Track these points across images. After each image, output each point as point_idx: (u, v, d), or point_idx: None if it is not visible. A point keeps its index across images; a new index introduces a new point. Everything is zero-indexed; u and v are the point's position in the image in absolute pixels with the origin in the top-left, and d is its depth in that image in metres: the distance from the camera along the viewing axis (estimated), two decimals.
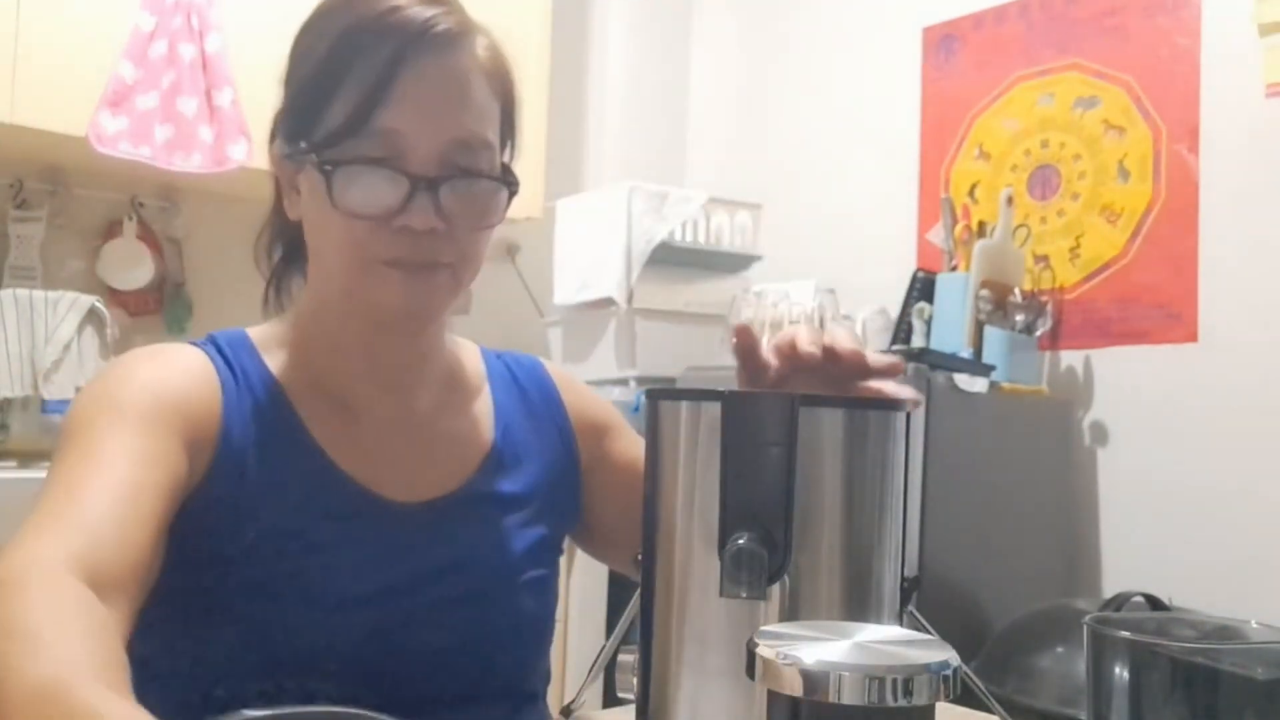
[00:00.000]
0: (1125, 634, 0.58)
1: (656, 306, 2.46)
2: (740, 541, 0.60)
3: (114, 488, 0.69)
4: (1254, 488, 1.96)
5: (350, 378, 0.87)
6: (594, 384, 2.40)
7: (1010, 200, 2.24)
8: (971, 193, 2.46)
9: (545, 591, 0.92)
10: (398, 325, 0.85)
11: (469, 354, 0.97)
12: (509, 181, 0.84)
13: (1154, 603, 1.76)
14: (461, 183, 0.81)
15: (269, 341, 0.88)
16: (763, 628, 0.47)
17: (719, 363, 2.32)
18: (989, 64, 2.45)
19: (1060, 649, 1.70)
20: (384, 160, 0.79)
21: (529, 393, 0.97)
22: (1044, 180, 2.34)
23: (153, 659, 0.77)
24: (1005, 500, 2.02)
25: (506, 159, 0.88)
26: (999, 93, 2.43)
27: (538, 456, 0.94)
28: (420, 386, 0.90)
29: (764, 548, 0.61)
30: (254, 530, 0.79)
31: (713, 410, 0.64)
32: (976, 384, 1.92)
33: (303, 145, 0.81)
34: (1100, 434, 2.18)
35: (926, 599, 1.85)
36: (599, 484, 0.97)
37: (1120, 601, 1.76)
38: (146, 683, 0.76)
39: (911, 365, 1.85)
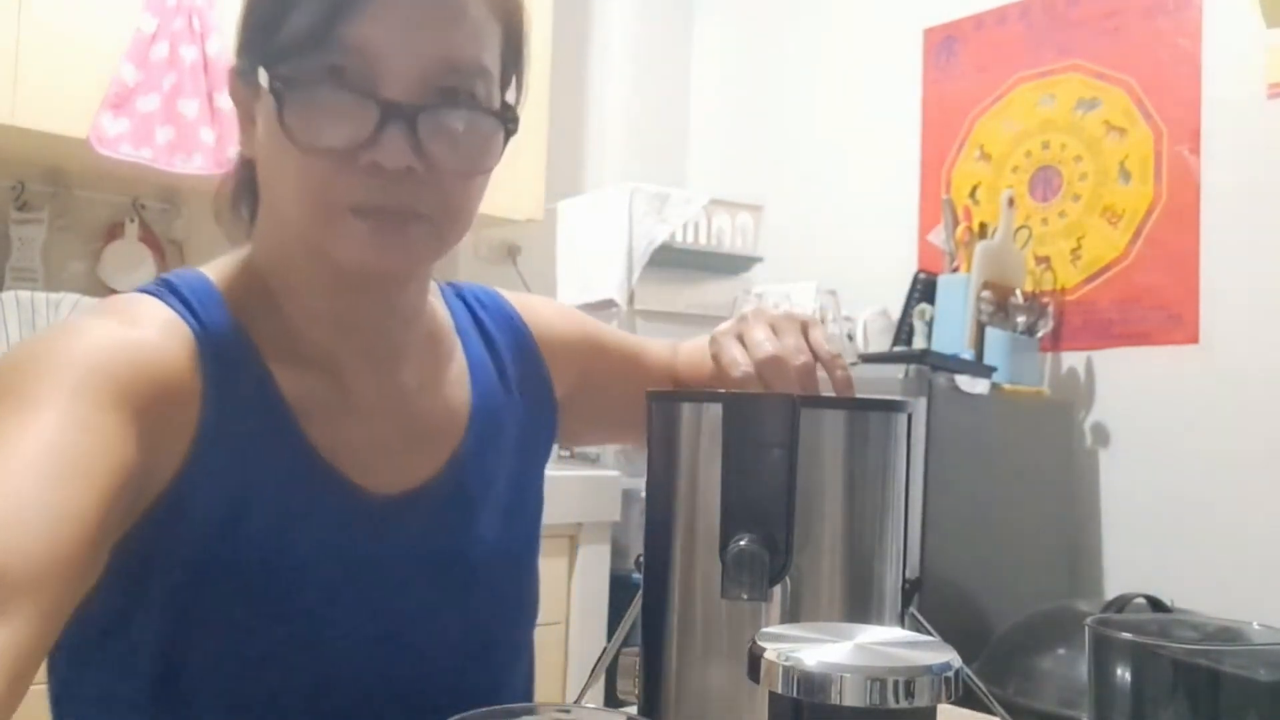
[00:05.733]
0: (1127, 635, 0.58)
1: (658, 308, 2.46)
2: (741, 543, 0.60)
3: (41, 462, 0.54)
4: (1255, 489, 1.96)
5: (332, 344, 0.75)
6: None
7: (1011, 202, 2.24)
8: (973, 194, 2.46)
9: (534, 556, 0.87)
10: (368, 286, 0.73)
11: (438, 303, 0.86)
12: (507, 119, 0.70)
13: (1155, 604, 1.75)
14: (447, 114, 0.67)
15: (237, 292, 0.73)
16: (764, 629, 0.47)
17: None
18: (990, 65, 2.45)
19: (1062, 650, 1.70)
20: (349, 81, 0.65)
21: (496, 340, 0.88)
22: (1045, 181, 2.34)
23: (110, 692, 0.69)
24: (1007, 501, 2.02)
25: (510, 99, 0.74)
26: (1000, 94, 2.43)
27: (514, 411, 0.86)
28: (405, 358, 0.79)
29: (765, 549, 0.61)
30: (233, 539, 0.68)
31: (714, 411, 0.64)
32: (978, 385, 1.92)
33: (256, 61, 0.67)
34: (1102, 435, 2.18)
35: (927, 600, 1.85)
36: (591, 396, 0.93)
37: (1122, 603, 1.76)
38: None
39: (914, 366, 1.85)
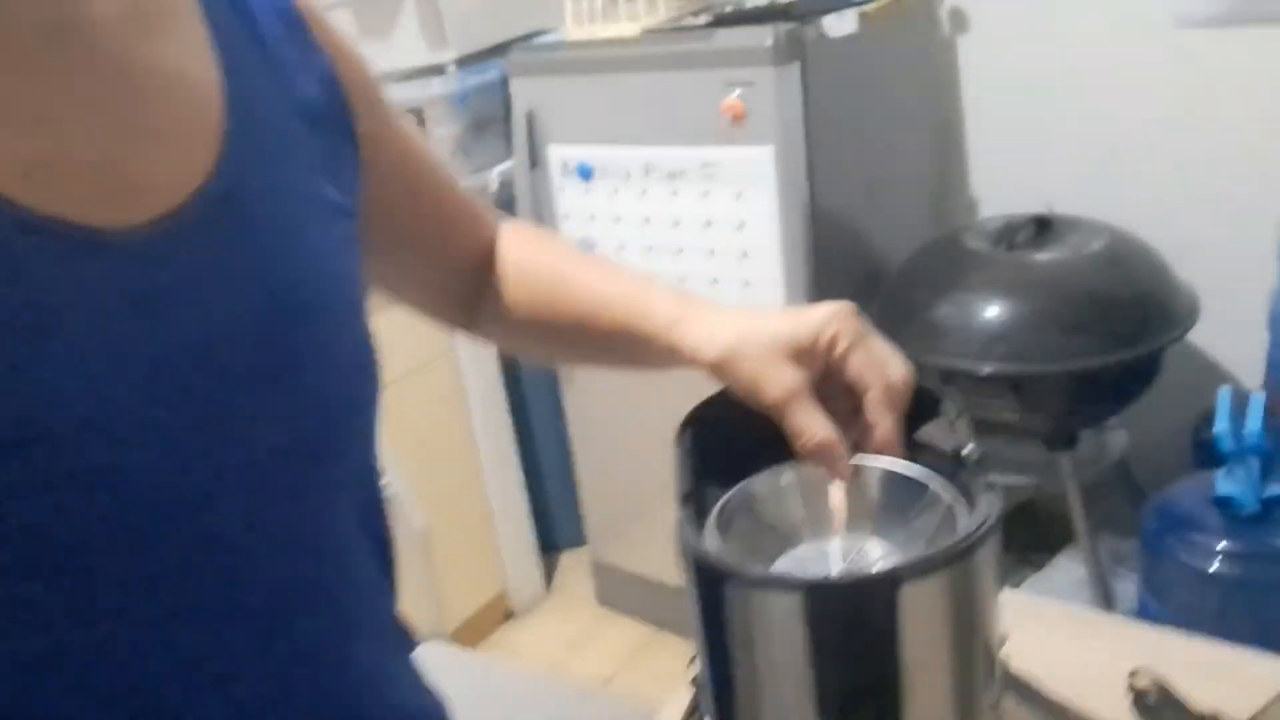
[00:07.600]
0: None
1: None
2: None
3: None
4: (1127, 68, 1.87)
5: None
6: (404, 75, 2.08)
7: None
8: None
9: (363, 306, 0.63)
10: None
11: None
12: None
13: (1041, 222, 1.74)
14: None
15: None
16: None
17: (546, 26, 2.01)
18: None
19: (958, 295, 1.68)
20: None
21: (259, 19, 0.60)
22: None
23: None
24: (882, 128, 1.90)
25: None
26: None
27: (284, 99, 0.59)
28: None
29: None
30: None
31: (792, 602, 0.53)
32: (845, 23, 1.72)
33: None
34: (960, 22, 2.03)
35: (824, 249, 1.79)
36: (376, 176, 0.67)
37: (1011, 231, 1.74)
38: None
39: (783, 27, 1.62)
